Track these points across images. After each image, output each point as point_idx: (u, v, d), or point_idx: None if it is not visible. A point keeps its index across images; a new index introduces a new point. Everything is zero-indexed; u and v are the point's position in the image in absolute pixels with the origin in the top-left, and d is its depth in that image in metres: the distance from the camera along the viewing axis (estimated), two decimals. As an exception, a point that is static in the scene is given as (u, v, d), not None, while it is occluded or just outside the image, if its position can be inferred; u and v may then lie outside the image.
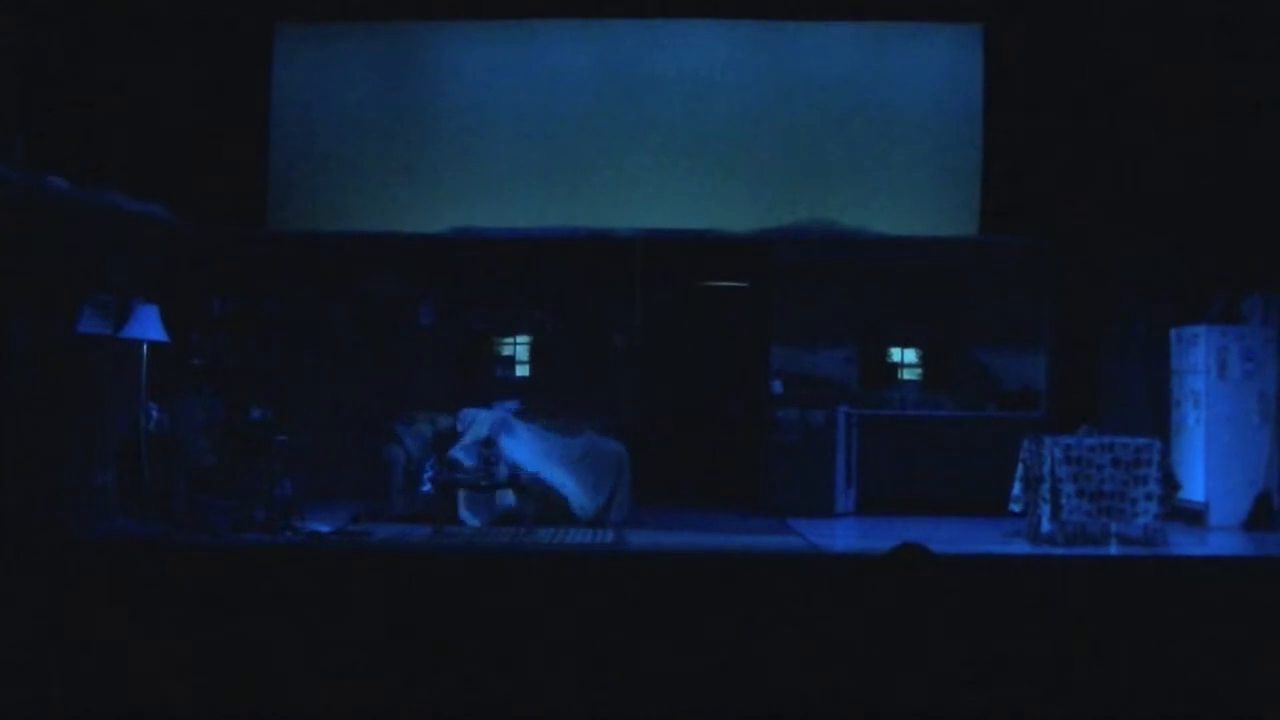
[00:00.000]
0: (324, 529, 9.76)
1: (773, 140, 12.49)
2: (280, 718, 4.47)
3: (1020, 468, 9.94)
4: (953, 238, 12.43)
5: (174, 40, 11.48)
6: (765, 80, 12.58)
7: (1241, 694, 4.66)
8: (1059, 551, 9.30)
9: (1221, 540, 10.15)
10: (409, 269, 12.67)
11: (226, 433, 10.47)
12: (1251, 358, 10.87)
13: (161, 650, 4.70)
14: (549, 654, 4.73)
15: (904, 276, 12.56)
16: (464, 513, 10.36)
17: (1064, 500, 9.39)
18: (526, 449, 10.78)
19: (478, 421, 11.06)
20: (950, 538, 9.59)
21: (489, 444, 10.49)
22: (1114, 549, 9.46)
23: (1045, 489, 9.45)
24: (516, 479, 10.31)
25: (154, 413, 10.10)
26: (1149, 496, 9.41)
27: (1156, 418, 11.37)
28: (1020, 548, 9.53)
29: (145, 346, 9.91)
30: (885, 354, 12.77)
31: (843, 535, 10.56)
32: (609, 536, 9.91)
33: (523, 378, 12.77)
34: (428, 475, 10.66)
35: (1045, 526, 9.48)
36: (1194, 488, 10.69)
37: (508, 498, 10.40)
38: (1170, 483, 9.57)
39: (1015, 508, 9.95)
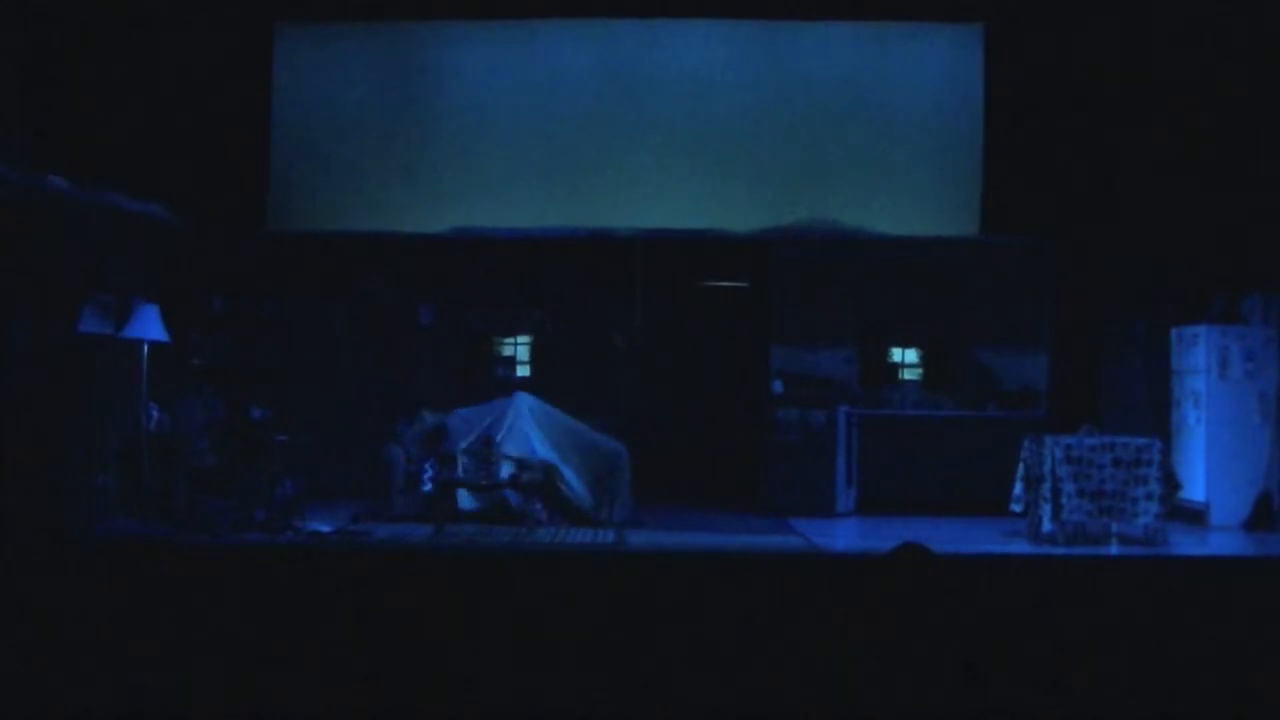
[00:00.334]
0: (324, 529, 9.76)
1: (773, 140, 12.49)
2: (281, 718, 4.47)
3: (1021, 468, 9.94)
4: (953, 238, 12.43)
5: (174, 40, 11.48)
6: (765, 80, 12.58)
7: (1241, 694, 4.66)
8: (1060, 551, 9.30)
9: (1222, 540, 10.15)
10: (409, 269, 12.67)
11: (227, 433, 10.46)
12: (1252, 357, 10.86)
13: (162, 650, 4.70)
14: (549, 654, 4.73)
15: (904, 276, 12.55)
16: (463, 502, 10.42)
17: (1065, 500, 9.39)
18: (541, 434, 10.78)
19: (493, 413, 11.05)
20: (951, 538, 9.58)
21: (489, 443, 10.49)
22: (1114, 549, 9.46)
23: (1046, 489, 9.45)
24: (517, 479, 10.31)
25: (154, 413, 10.10)
26: (1149, 496, 9.41)
27: (1157, 417, 11.36)
28: (1021, 548, 9.53)
29: (145, 346, 9.91)
30: (886, 354, 12.77)
31: (843, 535, 10.56)
32: (609, 536, 9.91)
33: (523, 378, 12.76)
34: (428, 475, 10.66)
35: (1046, 526, 9.48)
36: (1194, 488, 10.69)
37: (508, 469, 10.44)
38: (1171, 483, 9.57)
39: (1016, 508, 9.95)
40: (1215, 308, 11.16)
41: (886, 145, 12.54)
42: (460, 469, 10.54)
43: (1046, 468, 9.45)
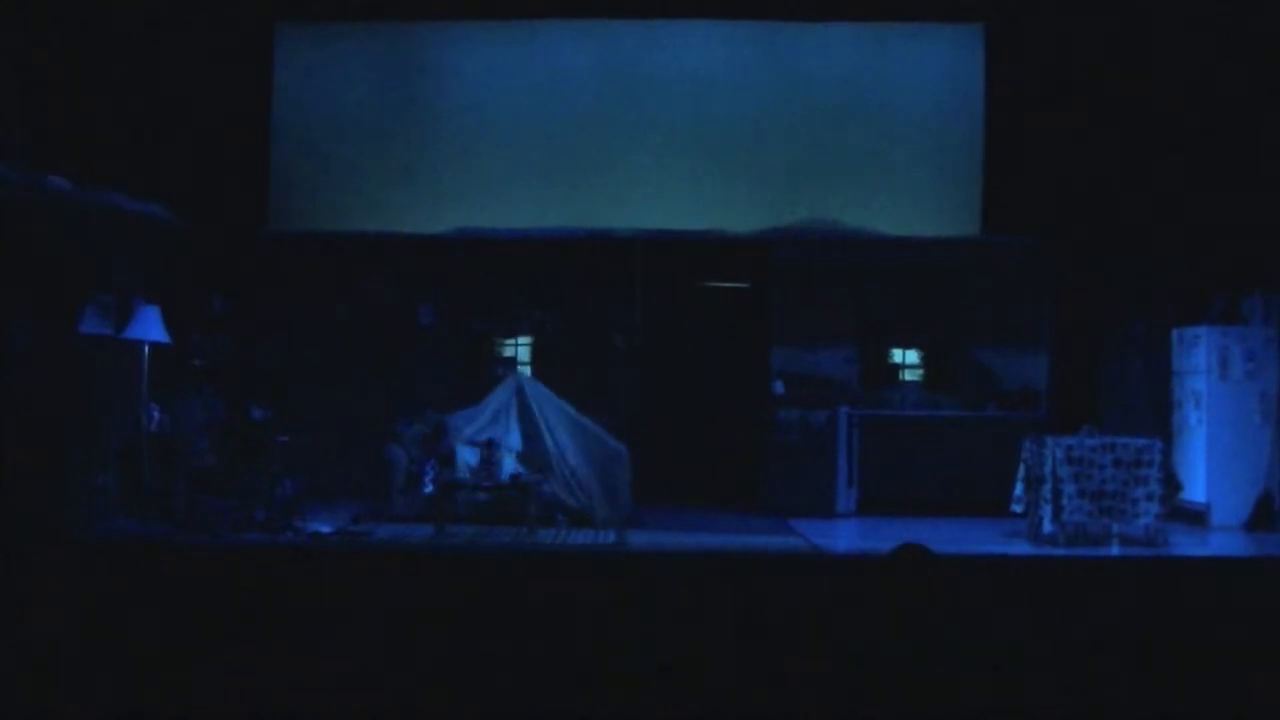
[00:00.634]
0: (325, 529, 9.76)
1: (773, 140, 12.50)
2: (281, 718, 4.47)
3: (1022, 468, 9.94)
4: (953, 238, 12.43)
5: (174, 40, 11.49)
6: (766, 80, 12.59)
7: (1241, 694, 4.66)
8: (1060, 552, 9.29)
9: (1222, 541, 10.15)
10: (409, 269, 12.67)
11: (227, 433, 10.46)
12: (1252, 358, 10.86)
13: (162, 650, 4.70)
14: (549, 654, 4.73)
15: (904, 277, 12.55)
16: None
17: (1065, 501, 9.39)
18: (546, 420, 10.81)
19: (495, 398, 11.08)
20: (951, 538, 9.58)
21: (490, 445, 10.49)
22: (1115, 549, 9.46)
23: (1047, 489, 9.45)
24: (518, 479, 10.30)
25: (154, 413, 10.10)
26: (1150, 497, 9.41)
27: (1157, 418, 11.36)
28: (1021, 548, 9.53)
29: (146, 347, 9.91)
30: (886, 354, 12.76)
31: (844, 536, 10.55)
32: (610, 537, 9.91)
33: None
34: (429, 476, 10.66)
35: (1046, 527, 9.48)
36: (1195, 488, 10.68)
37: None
38: (1171, 483, 9.57)
39: (1017, 508, 9.94)
40: (1215, 308, 11.16)
41: (886, 145, 12.54)
42: (462, 468, 10.54)
43: (1047, 468, 9.45)
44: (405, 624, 5.00)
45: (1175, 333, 11.43)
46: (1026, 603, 5.40)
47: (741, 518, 11.18)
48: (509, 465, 10.52)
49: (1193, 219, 11.16)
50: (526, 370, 12.80)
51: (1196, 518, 10.70)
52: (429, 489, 10.53)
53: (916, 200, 12.54)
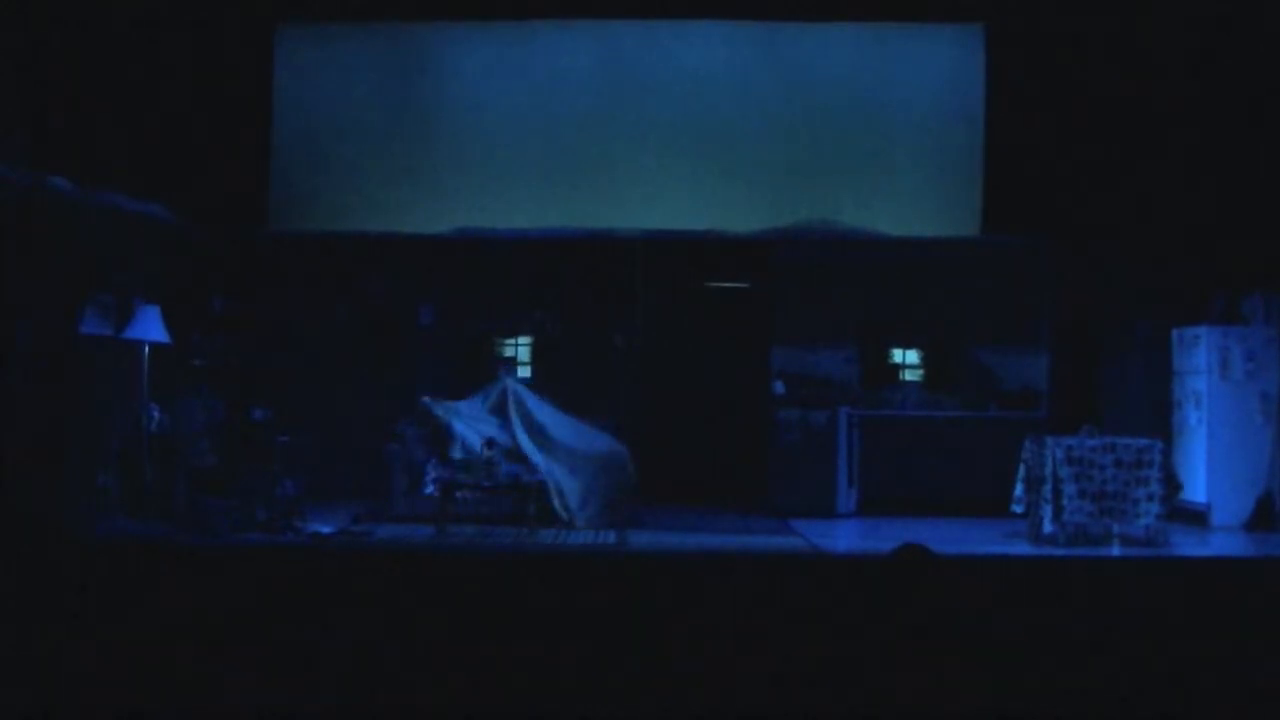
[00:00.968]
0: (325, 529, 9.76)
1: (773, 140, 12.49)
2: (281, 718, 4.46)
3: (1022, 468, 9.93)
4: (953, 238, 12.43)
5: (175, 41, 11.49)
6: (766, 80, 12.59)
7: (1241, 694, 4.66)
8: (1061, 552, 9.29)
9: (1223, 541, 10.15)
10: (409, 269, 12.67)
11: (227, 433, 10.46)
12: (1253, 358, 10.86)
13: (161, 650, 4.70)
14: (550, 654, 4.73)
15: (904, 276, 12.54)
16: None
17: (1066, 501, 9.39)
18: (537, 431, 10.83)
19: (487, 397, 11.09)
20: (952, 538, 9.58)
21: (491, 444, 10.48)
22: (1116, 550, 9.46)
23: (1047, 490, 9.45)
24: (518, 480, 10.30)
25: (155, 413, 10.10)
26: (1150, 497, 9.41)
27: (1158, 418, 11.36)
28: (1022, 548, 9.53)
29: (146, 347, 9.91)
30: (886, 354, 12.76)
31: (844, 536, 10.55)
32: (611, 537, 9.91)
33: (524, 379, 12.75)
34: (430, 477, 10.65)
35: (1047, 527, 9.48)
36: (1195, 488, 10.68)
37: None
38: (1172, 483, 9.57)
39: (1017, 508, 9.94)
40: (1216, 308, 11.16)
41: (886, 145, 12.54)
42: (458, 448, 10.55)
43: (1047, 468, 9.45)
44: (405, 624, 5.00)
45: (1175, 333, 11.43)
46: (1026, 603, 5.40)
47: (742, 518, 11.18)
48: (507, 465, 10.49)
49: (1193, 219, 11.16)
50: (526, 370, 12.81)
51: (1197, 518, 10.70)
52: (430, 490, 10.53)
53: (916, 200, 12.53)
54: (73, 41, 10.69)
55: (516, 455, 10.76)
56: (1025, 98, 12.06)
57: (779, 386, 11.97)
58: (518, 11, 12.43)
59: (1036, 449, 9.75)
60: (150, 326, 9.87)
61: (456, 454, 10.53)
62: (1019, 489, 9.92)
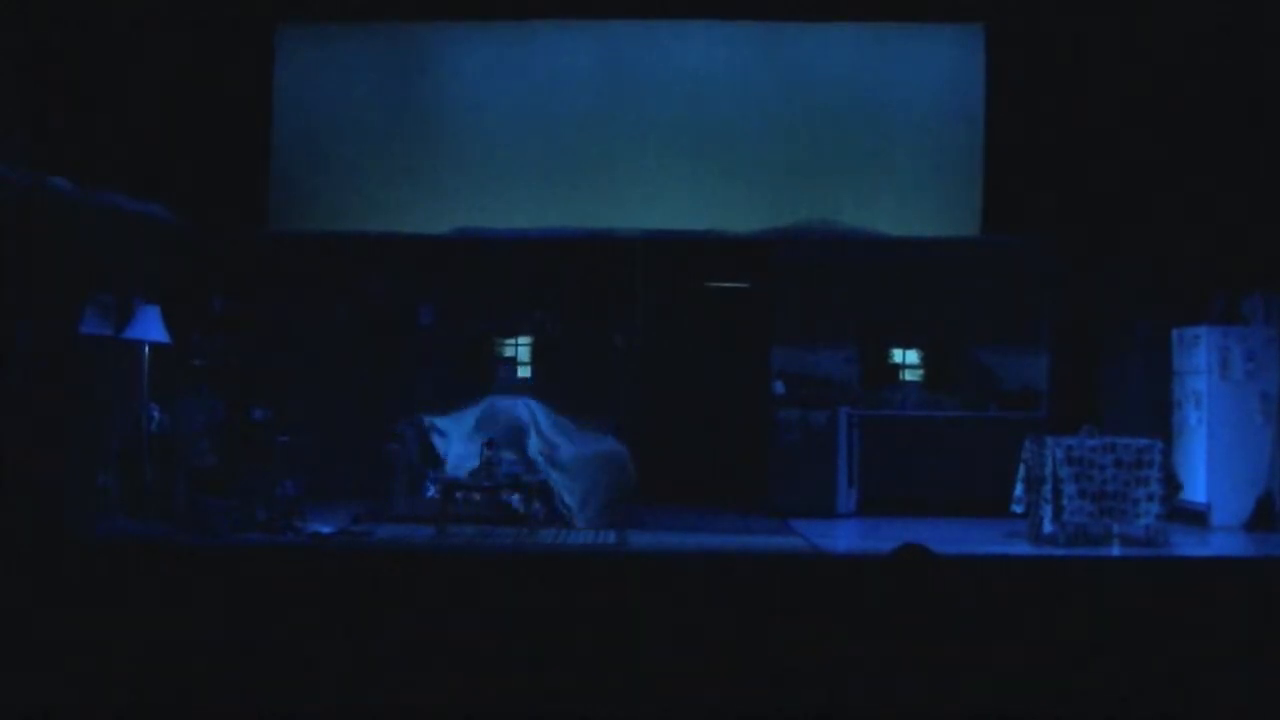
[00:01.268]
0: (325, 529, 9.76)
1: (774, 140, 12.50)
2: (281, 717, 4.47)
3: (1022, 468, 9.94)
4: (954, 238, 12.43)
5: (175, 40, 11.48)
6: (766, 80, 12.59)
7: (1241, 694, 4.66)
8: (1061, 552, 9.29)
9: (1223, 541, 10.15)
10: (409, 269, 12.67)
11: (227, 433, 10.46)
12: (1253, 358, 10.86)
13: (162, 650, 4.70)
14: (549, 654, 4.73)
15: (904, 276, 12.54)
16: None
17: (1066, 501, 9.39)
18: (545, 445, 10.83)
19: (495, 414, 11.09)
20: (952, 538, 9.58)
21: (491, 445, 10.48)
22: (1116, 550, 9.46)
23: (1047, 490, 9.45)
24: (518, 480, 10.31)
25: (155, 413, 10.10)
26: (1150, 497, 9.41)
27: (1158, 418, 11.36)
28: (1022, 548, 9.53)
29: (146, 347, 9.91)
30: (886, 354, 12.75)
31: (844, 536, 10.55)
32: (611, 537, 9.91)
33: (524, 379, 12.76)
34: (431, 477, 10.66)
35: (1047, 527, 9.48)
36: (1195, 488, 10.68)
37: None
38: (1172, 483, 9.57)
39: (1017, 508, 9.94)
40: (1216, 308, 11.16)
41: (886, 145, 12.54)
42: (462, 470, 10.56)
43: (1047, 468, 9.45)
44: (405, 624, 5.00)
45: (1175, 333, 11.43)
46: (1026, 603, 5.40)
47: (742, 518, 11.18)
48: (507, 465, 10.49)
49: (1193, 219, 11.16)
50: (526, 370, 12.80)
51: (1197, 518, 10.70)
52: (431, 491, 10.53)
53: (917, 200, 12.54)
54: (73, 41, 10.69)
55: (516, 455, 10.77)
56: (1025, 98, 12.06)
57: (779, 386, 11.97)
58: (518, 11, 12.43)
59: (1036, 449, 9.75)
60: (150, 326, 9.87)
61: (449, 472, 10.55)
62: (1019, 489, 9.92)
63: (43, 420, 9.14)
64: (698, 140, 12.50)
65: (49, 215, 9.40)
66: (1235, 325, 10.99)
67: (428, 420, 11.08)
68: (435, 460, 10.85)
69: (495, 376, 12.62)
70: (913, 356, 12.80)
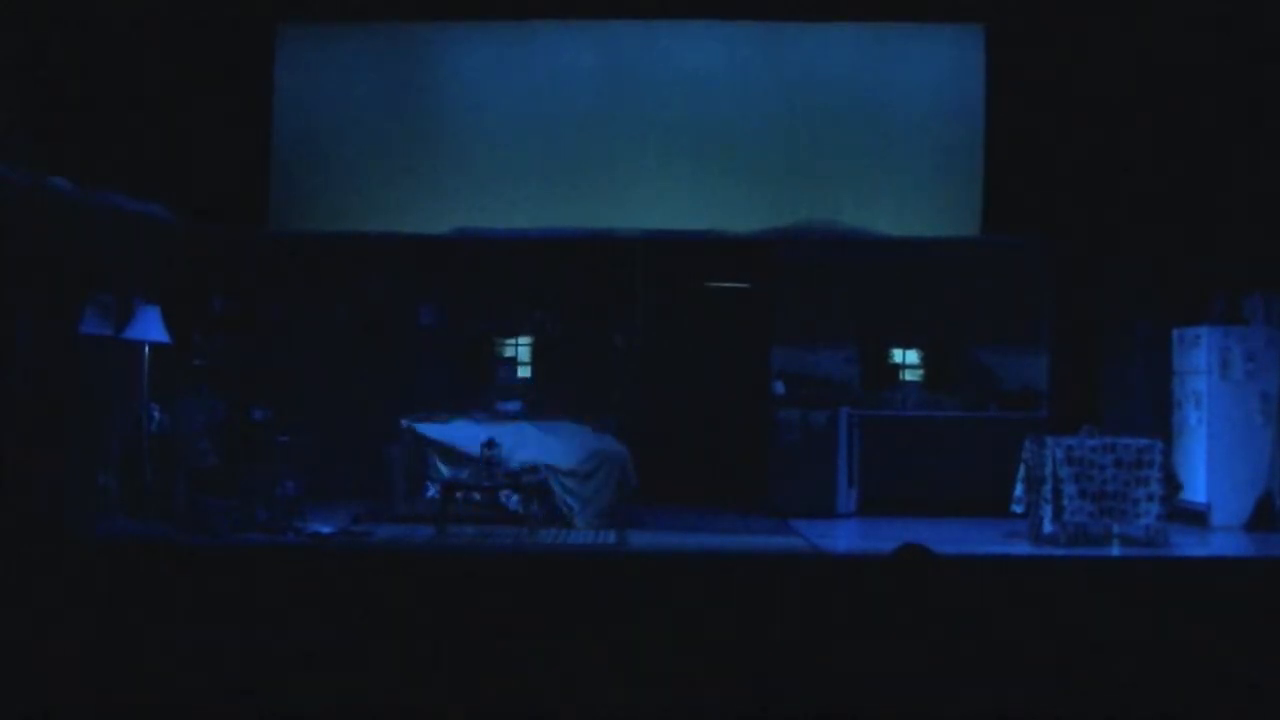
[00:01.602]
0: (325, 530, 9.75)
1: (774, 140, 12.50)
2: (281, 717, 4.47)
3: (1022, 468, 9.93)
4: (953, 238, 12.43)
5: (175, 40, 11.48)
6: (766, 80, 12.59)
7: (1242, 694, 4.66)
8: (1061, 552, 9.29)
9: (1223, 541, 10.15)
10: (410, 269, 12.67)
11: (227, 433, 10.46)
12: (1253, 358, 10.86)
13: (162, 649, 4.70)
14: (549, 654, 4.73)
15: (904, 276, 12.54)
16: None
17: (1066, 501, 9.39)
18: (535, 449, 10.80)
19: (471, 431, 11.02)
20: (952, 538, 9.58)
21: (491, 444, 10.48)
22: (1116, 550, 9.46)
23: (1047, 490, 9.45)
24: (518, 480, 10.30)
25: (155, 413, 10.10)
26: (1151, 497, 9.41)
27: (1158, 418, 11.36)
28: (1022, 548, 9.53)
29: (146, 347, 9.91)
30: (887, 354, 12.75)
31: (844, 536, 10.55)
32: (611, 537, 9.91)
33: (524, 379, 12.75)
34: (430, 479, 10.66)
35: (1047, 527, 9.48)
36: (1196, 488, 10.68)
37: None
38: (1172, 483, 9.57)
39: (1017, 508, 9.94)
40: (1216, 308, 11.16)
41: (886, 145, 12.54)
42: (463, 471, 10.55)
43: (1048, 469, 9.45)
44: (405, 624, 5.00)
45: (1175, 333, 11.44)
46: (1026, 603, 5.40)
47: (742, 518, 11.18)
48: (507, 465, 10.47)
49: (1193, 219, 11.16)
50: (526, 370, 12.79)
51: (1197, 518, 10.70)
52: (432, 492, 10.52)
53: (916, 200, 12.54)
54: (73, 41, 10.69)
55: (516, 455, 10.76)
56: (1025, 98, 12.06)
57: (779, 386, 11.97)
58: (518, 11, 12.43)
59: (1036, 449, 9.75)
60: (150, 326, 9.87)
61: (446, 472, 10.54)
62: (1019, 489, 9.92)
63: (43, 420, 9.14)
64: (698, 140, 12.50)
65: (49, 215, 9.40)
66: (1235, 325, 10.99)
67: (420, 429, 10.99)
68: (429, 470, 10.76)
69: (495, 377, 12.62)
70: (913, 356, 12.79)
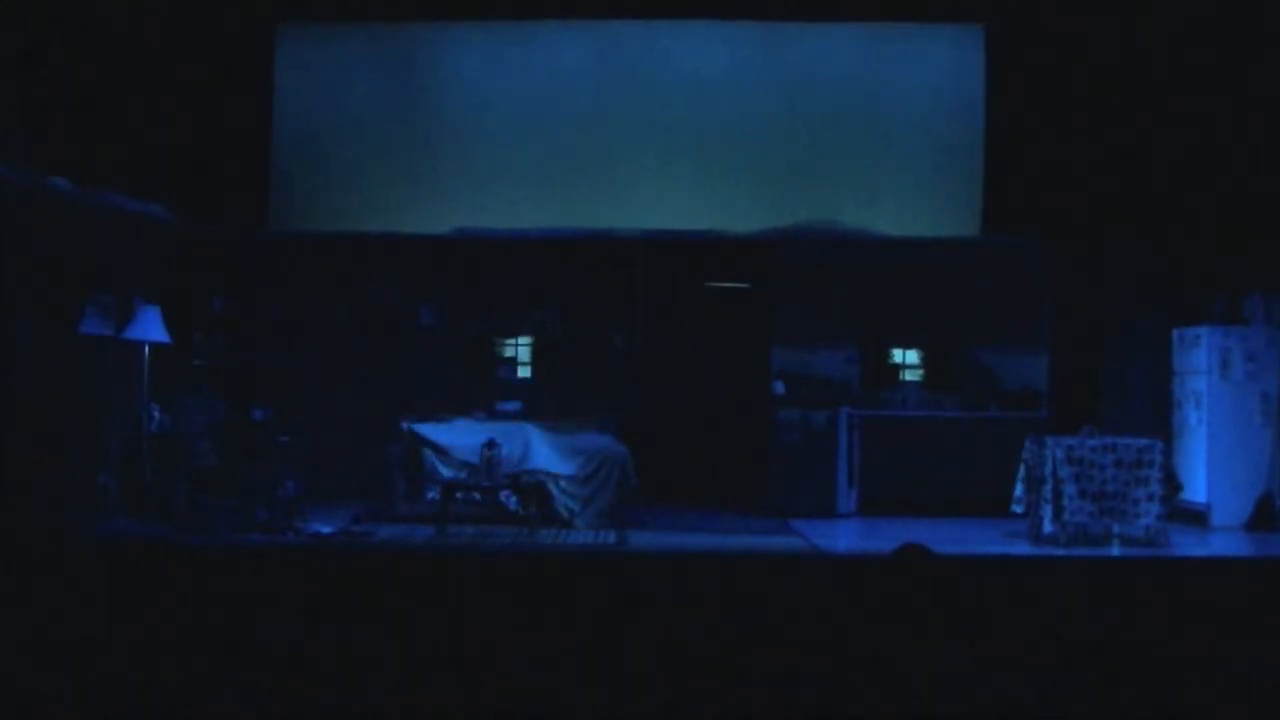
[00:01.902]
0: (326, 530, 9.76)
1: (774, 140, 12.50)
2: (281, 717, 4.46)
3: (1022, 468, 9.94)
4: (953, 238, 12.43)
5: (175, 41, 11.48)
6: (766, 81, 12.59)
7: (1242, 694, 4.66)
8: (1061, 552, 9.30)
9: (1223, 541, 10.15)
10: (410, 269, 12.67)
11: (227, 433, 10.47)
12: (1253, 358, 10.86)
13: (162, 651, 4.69)
14: (549, 654, 4.73)
15: (905, 276, 12.54)
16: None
17: (1066, 501, 9.39)
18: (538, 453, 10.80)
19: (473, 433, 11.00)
20: (952, 538, 9.58)
21: (491, 445, 10.48)
22: (1116, 550, 9.46)
23: (1047, 490, 9.45)
24: (517, 480, 10.30)
25: (155, 413, 10.10)
26: (1151, 497, 9.41)
27: (1158, 418, 11.36)
28: (1022, 548, 9.53)
29: (146, 347, 9.91)
30: (887, 354, 12.75)
31: (844, 536, 10.56)
32: (611, 537, 9.92)
33: (524, 379, 12.75)
34: (431, 477, 10.66)
35: (1047, 527, 9.48)
36: (1196, 488, 10.69)
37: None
38: (1172, 483, 9.57)
39: (1017, 509, 9.94)
40: (1216, 308, 11.17)
41: (887, 145, 12.54)
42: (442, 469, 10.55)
43: (1048, 469, 9.45)
44: (405, 624, 5.00)
45: (1175, 333, 11.44)
46: (1026, 603, 5.40)
47: (742, 518, 11.18)
48: (507, 465, 10.47)
49: (1193, 219, 11.16)
50: (526, 370, 12.79)
51: (1197, 518, 10.70)
52: (432, 494, 10.52)
53: (916, 200, 12.54)
54: (73, 42, 10.69)
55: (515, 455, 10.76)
56: (1025, 98, 12.06)
57: (779, 386, 11.97)
58: (518, 11, 12.43)
59: (1037, 449, 9.75)
60: (150, 326, 9.87)
61: (445, 473, 10.54)
62: (1019, 489, 9.92)
63: (43, 420, 9.14)
64: (698, 140, 12.50)
65: (49, 215, 9.40)
66: (1236, 325, 10.99)
67: (419, 430, 10.98)
68: (426, 473, 10.75)
69: (495, 377, 12.62)
70: (913, 356, 12.80)
